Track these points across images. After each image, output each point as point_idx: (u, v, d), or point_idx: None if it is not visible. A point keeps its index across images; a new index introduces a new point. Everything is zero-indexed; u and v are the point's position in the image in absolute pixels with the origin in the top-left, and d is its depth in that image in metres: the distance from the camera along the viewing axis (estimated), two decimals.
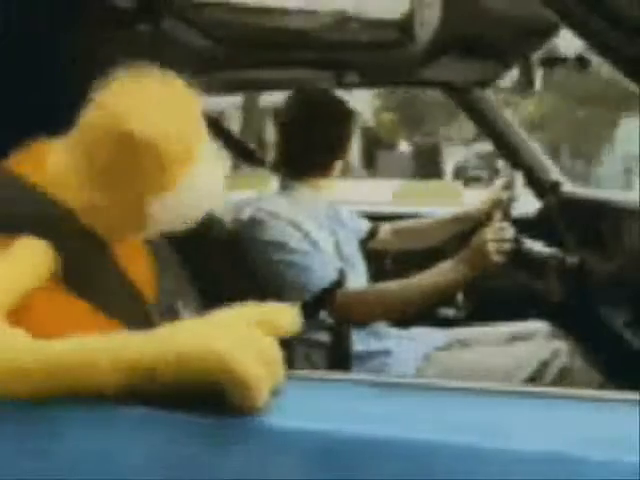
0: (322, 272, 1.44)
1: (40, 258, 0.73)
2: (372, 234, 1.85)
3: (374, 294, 1.48)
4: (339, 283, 1.44)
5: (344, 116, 1.60)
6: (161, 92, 0.80)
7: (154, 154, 0.76)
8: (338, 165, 1.60)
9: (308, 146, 1.58)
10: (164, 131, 0.76)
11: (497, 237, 1.38)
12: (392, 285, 1.44)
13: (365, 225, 1.84)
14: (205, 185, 0.82)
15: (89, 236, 0.79)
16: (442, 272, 1.40)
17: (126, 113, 0.76)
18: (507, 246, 1.39)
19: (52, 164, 0.80)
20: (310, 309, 1.44)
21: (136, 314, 0.84)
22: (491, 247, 1.36)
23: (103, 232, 0.81)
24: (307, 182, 1.59)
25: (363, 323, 1.50)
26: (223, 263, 1.63)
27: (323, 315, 1.48)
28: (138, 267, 0.89)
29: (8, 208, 0.76)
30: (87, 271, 0.78)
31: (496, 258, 1.37)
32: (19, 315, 0.69)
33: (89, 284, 0.78)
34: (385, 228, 1.88)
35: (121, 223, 0.82)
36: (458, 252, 1.42)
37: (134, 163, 0.77)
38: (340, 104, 1.62)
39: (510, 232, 1.41)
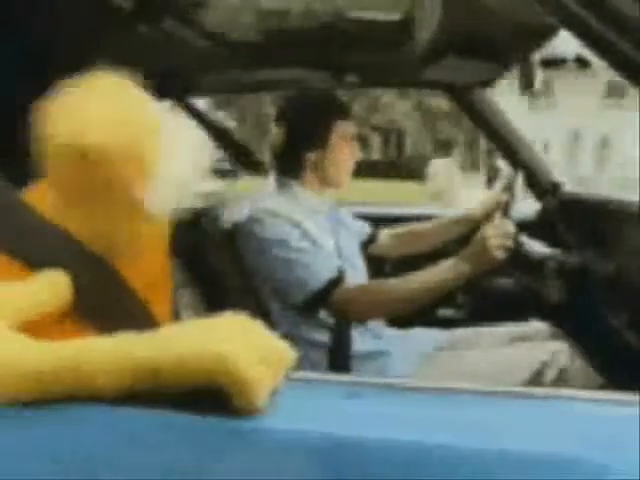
0: (322, 269, 1.44)
1: (58, 287, 0.73)
2: (372, 238, 1.84)
3: (375, 290, 1.48)
4: (339, 280, 1.44)
5: (319, 112, 1.59)
6: (107, 98, 0.78)
7: (110, 164, 0.74)
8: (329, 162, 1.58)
9: (289, 143, 1.59)
10: (116, 141, 0.74)
11: (498, 233, 1.38)
12: (393, 281, 1.44)
13: (366, 229, 1.84)
14: (181, 157, 0.80)
15: (100, 264, 0.79)
16: (444, 269, 1.40)
17: (78, 129, 0.74)
18: (508, 242, 1.39)
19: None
20: (311, 306, 1.44)
21: None
22: (493, 243, 1.36)
23: (103, 251, 0.79)
24: (305, 179, 1.59)
25: (364, 320, 1.49)
26: (221, 263, 1.63)
27: (323, 315, 1.48)
28: (159, 301, 0.88)
29: (22, 238, 0.76)
30: (102, 303, 0.78)
31: (498, 254, 1.37)
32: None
33: (104, 316, 0.77)
34: (385, 233, 1.87)
35: (117, 233, 0.80)
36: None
37: (98, 171, 0.75)
38: (320, 100, 1.61)
39: (511, 228, 1.42)
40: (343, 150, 1.59)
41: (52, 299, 0.72)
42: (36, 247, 0.75)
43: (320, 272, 1.43)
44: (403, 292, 1.41)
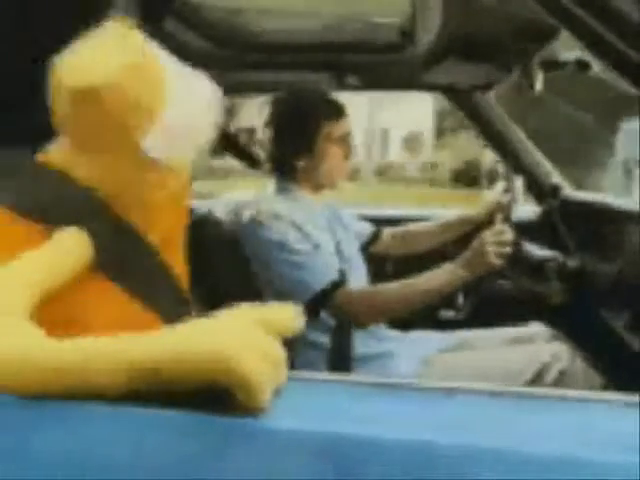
0: (323, 272, 1.44)
1: (78, 248, 0.73)
2: (374, 238, 1.84)
3: (375, 294, 1.49)
4: (340, 283, 1.44)
5: (302, 118, 1.56)
6: (111, 44, 0.77)
7: (115, 98, 0.74)
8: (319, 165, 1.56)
9: (278, 149, 1.59)
10: (116, 74, 0.73)
11: (497, 240, 1.39)
12: (393, 285, 1.45)
13: (367, 228, 1.84)
14: (188, 106, 0.80)
15: (121, 222, 0.79)
16: (442, 274, 1.42)
17: (72, 71, 0.74)
18: (507, 250, 1.40)
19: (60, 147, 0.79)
20: (312, 309, 1.44)
21: (174, 303, 0.84)
22: (491, 250, 1.37)
23: (117, 203, 0.78)
24: (300, 183, 1.59)
25: (363, 323, 1.49)
26: (223, 265, 1.63)
27: (324, 316, 1.49)
28: (175, 257, 0.87)
29: (41, 198, 0.75)
30: (123, 259, 0.78)
31: (495, 261, 1.38)
32: (56, 305, 0.70)
33: (126, 272, 0.78)
34: (387, 232, 1.88)
35: (126, 180, 0.79)
36: (459, 255, 1.43)
37: (101, 114, 0.74)
38: (304, 104, 1.59)
39: (510, 235, 1.42)
40: (332, 152, 1.56)
41: (73, 263, 0.71)
42: (54, 207, 0.75)
43: (322, 274, 1.44)
44: (402, 296, 1.43)
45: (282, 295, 1.48)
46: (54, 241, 0.72)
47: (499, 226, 1.44)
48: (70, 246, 0.72)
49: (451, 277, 1.40)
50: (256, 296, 1.56)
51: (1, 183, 0.76)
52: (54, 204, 0.75)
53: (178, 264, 0.87)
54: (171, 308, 0.80)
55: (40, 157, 0.80)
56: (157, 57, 0.79)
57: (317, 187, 1.60)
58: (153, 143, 0.77)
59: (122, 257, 0.78)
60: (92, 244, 0.74)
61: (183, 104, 0.79)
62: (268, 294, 1.54)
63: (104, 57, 0.75)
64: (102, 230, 0.75)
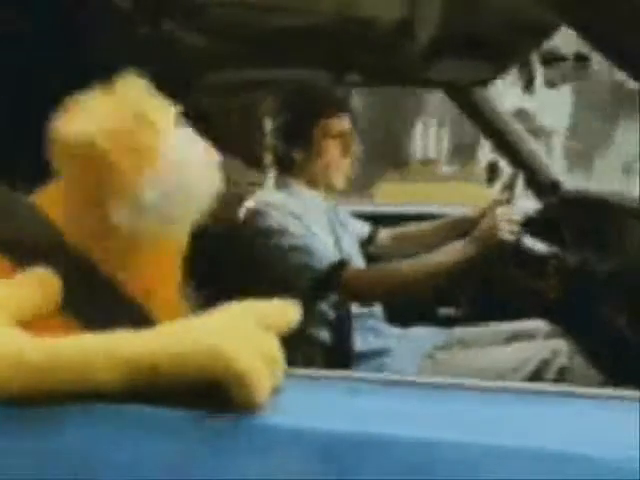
0: (324, 253, 1.45)
1: (48, 287, 0.71)
2: (372, 238, 1.84)
3: (385, 271, 1.50)
4: (346, 262, 1.45)
5: (301, 110, 1.58)
6: (122, 103, 0.76)
7: (97, 159, 0.72)
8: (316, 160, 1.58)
9: (278, 141, 1.60)
10: (103, 133, 0.72)
11: (507, 217, 1.43)
12: (402, 263, 1.46)
13: (365, 229, 1.84)
14: (174, 182, 0.76)
15: (89, 264, 0.76)
16: (452, 250, 1.44)
17: (68, 125, 0.73)
18: (516, 228, 1.44)
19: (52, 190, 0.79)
20: (318, 290, 1.44)
21: None
22: (502, 225, 1.41)
23: (90, 253, 0.76)
24: (299, 178, 1.59)
25: (372, 300, 1.52)
26: (221, 259, 1.63)
27: (325, 309, 1.49)
28: (159, 294, 0.83)
29: (19, 235, 0.74)
30: (90, 301, 0.76)
31: (506, 237, 1.41)
32: None
33: (92, 314, 0.75)
34: (385, 233, 1.87)
35: (94, 240, 0.77)
36: None
37: (84, 172, 0.73)
38: (305, 98, 1.61)
39: (518, 217, 1.47)
40: (329, 148, 1.56)
41: (42, 300, 0.71)
42: (27, 245, 0.74)
43: (324, 255, 1.44)
44: (412, 273, 1.44)
45: (286, 280, 1.48)
46: (25, 276, 0.71)
47: (505, 207, 1.48)
48: (40, 284, 0.71)
49: (461, 253, 1.42)
50: (255, 291, 1.56)
51: None
52: (28, 243, 0.74)
53: (166, 310, 0.83)
54: None
55: (37, 196, 0.79)
56: (154, 123, 0.76)
57: (314, 183, 1.60)
58: (123, 217, 0.74)
59: (89, 302, 0.75)
60: (62, 287, 0.72)
61: (174, 176, 0.75)
62: (269, 283, 1.53)
63: (96, 119, 0.73)
64: (69, 272, 0.73)
